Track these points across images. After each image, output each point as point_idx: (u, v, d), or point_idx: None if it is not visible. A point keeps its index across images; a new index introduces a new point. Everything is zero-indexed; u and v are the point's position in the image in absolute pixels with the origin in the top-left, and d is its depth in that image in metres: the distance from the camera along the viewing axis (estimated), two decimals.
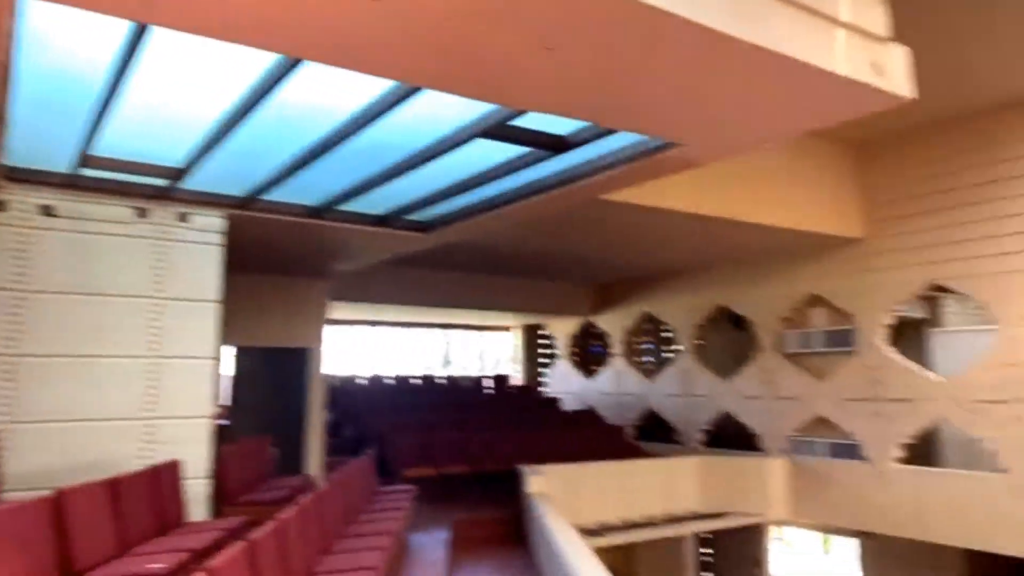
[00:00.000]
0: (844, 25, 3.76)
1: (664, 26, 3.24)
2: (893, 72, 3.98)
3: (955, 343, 11.71)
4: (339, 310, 13.99)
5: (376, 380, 15.93)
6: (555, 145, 5.00)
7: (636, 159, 5.17)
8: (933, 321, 12.33)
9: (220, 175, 5.74)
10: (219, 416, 7.03)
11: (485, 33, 3.25)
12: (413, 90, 3.94)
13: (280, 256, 8.72)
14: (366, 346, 16.64)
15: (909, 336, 11.78)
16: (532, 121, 4.69)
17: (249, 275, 9.52)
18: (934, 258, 10.02)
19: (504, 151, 5.20)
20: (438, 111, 4.42)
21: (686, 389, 13.64)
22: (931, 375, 10.21)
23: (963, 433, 9.93)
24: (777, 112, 4.44)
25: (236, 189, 6.16)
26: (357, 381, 15.64)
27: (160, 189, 5.98)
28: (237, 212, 6.50)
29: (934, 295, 11.82)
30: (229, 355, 10.49)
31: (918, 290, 10.39)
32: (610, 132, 4.81)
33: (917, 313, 12.06)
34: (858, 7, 3.85)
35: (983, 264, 9.48)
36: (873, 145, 10.82)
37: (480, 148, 5.03)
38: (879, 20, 3.95)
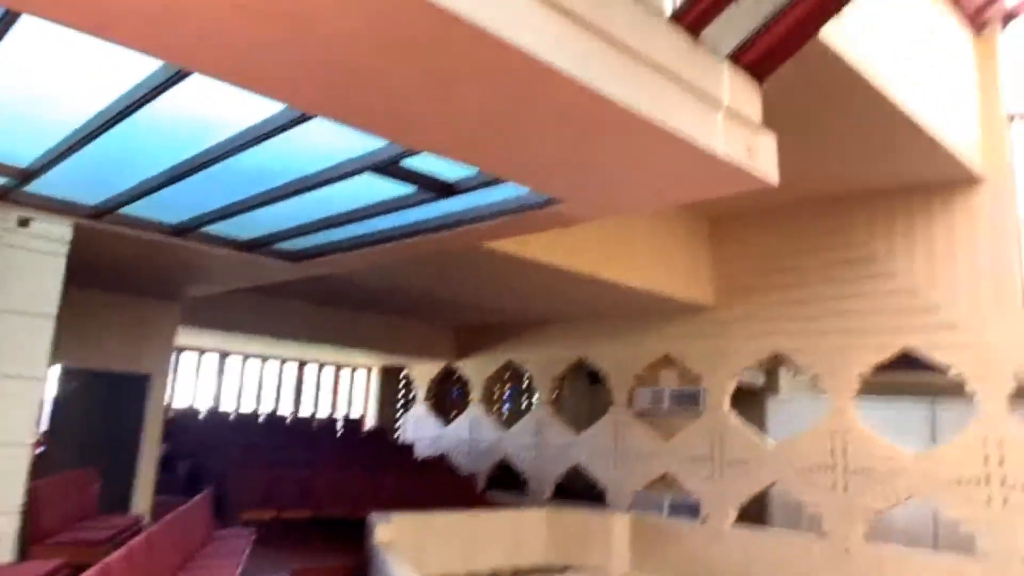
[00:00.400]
0: (725, 109, 4.04)
1: (559, 87, 3.33)
2: (763, 157, 4.30)
3: (788, 411, 12.59)
4: (186, 335, 13.13)
5: (218, 414, 15.00)
6: (442, 189, 4.99)
7: (519, 211, 5.25)
8: (770, 388, 13.23)
9: (74, 181, 5.27)
10: (37, 444, 6.33)
11: (379, 65, 3.22)
12: (305, 117, 3.81)
13: (129, 273, 8.11)
14: (212, 376, 15.65)
15: (749, 401, 12.56)
16: (422, 162, 4.67)
17: (88, 290, 8.75)
18: (776, 329, 10.80)
19: (390, 189, 5.12)
20: (326, 139, 4.30)
21: (540, 440, 13.79)
22: (766, 440, 10.91)
23: (791, 496, 10.63)
24: (657, 182, 4.67)
25: (90, 198, 5.68)
26: (197, 414, 14.65)
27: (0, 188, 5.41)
28: (87, 223, 5.99)
29: (772, 364, 12.71)
30: (52, 376, 9.53)
31: (761, 358, 11.14)
32: (497, 182, 4.86)
33: (758, 380, 12.90)
34: (737, 93, 4.15)
35: (820, 339, 10.33)
36: (727, 218, 11.61)
37: (365, 182, 4.92)
38: (755, 107, 4.27)
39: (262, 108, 3.78)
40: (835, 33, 6.46)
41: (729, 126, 4.07)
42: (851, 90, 7.18)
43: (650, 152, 4.09)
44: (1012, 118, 9.53)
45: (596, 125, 3.79)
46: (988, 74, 9.54)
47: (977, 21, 9.47)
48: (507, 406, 16.28)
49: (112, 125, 3.95)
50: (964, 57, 9.44)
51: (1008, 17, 9.50)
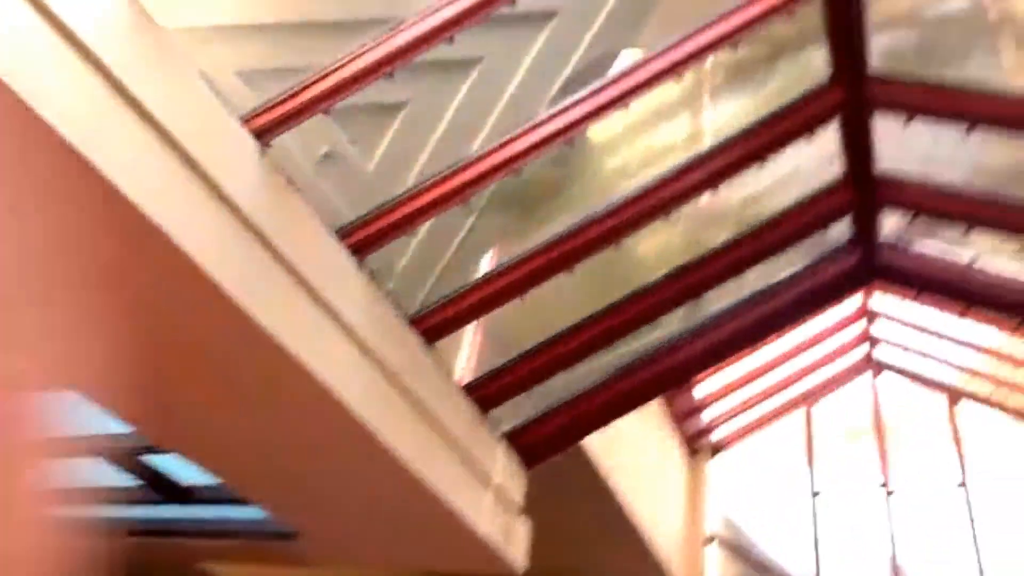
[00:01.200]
0: (494, 487, 4.11)
1: (347, 428, 3.25)
2: (517, 543, 4.33)
3: None
4: None
5: None
6: (175, 492, 4.43)
7: (253, 538, 4.73)
8: None
9: None
10: None
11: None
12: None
13: None
14: None
15: None
16: (159, 459, 4.19)
17: None
18: None
19: (110, 478, 4.46)
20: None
21: None
22: None
23: None
24: (407, 543, 4.45)
25: None
26: None
27: None
28: None
29: None
30: None
31: None
32: (238, 501, 4.42)
33: None
34: (508, 474, 4.28)
35: None
36: None
37: (86, 465, 4.26)
38: (519, 491, 4.40)
39: None
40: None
41: (494, 506, 4.12)
42: (588, 488, 7.74)
43: (412, 511, 3.96)
44: (711, 539, 10.67)
45: (369, 471, 3.66)
46: (696, 495, 10.81)
47: (691, 446, 10.98)
48: None
49: None
50: (679, 476, 10.71)
51: (716, 448, 11.13)
